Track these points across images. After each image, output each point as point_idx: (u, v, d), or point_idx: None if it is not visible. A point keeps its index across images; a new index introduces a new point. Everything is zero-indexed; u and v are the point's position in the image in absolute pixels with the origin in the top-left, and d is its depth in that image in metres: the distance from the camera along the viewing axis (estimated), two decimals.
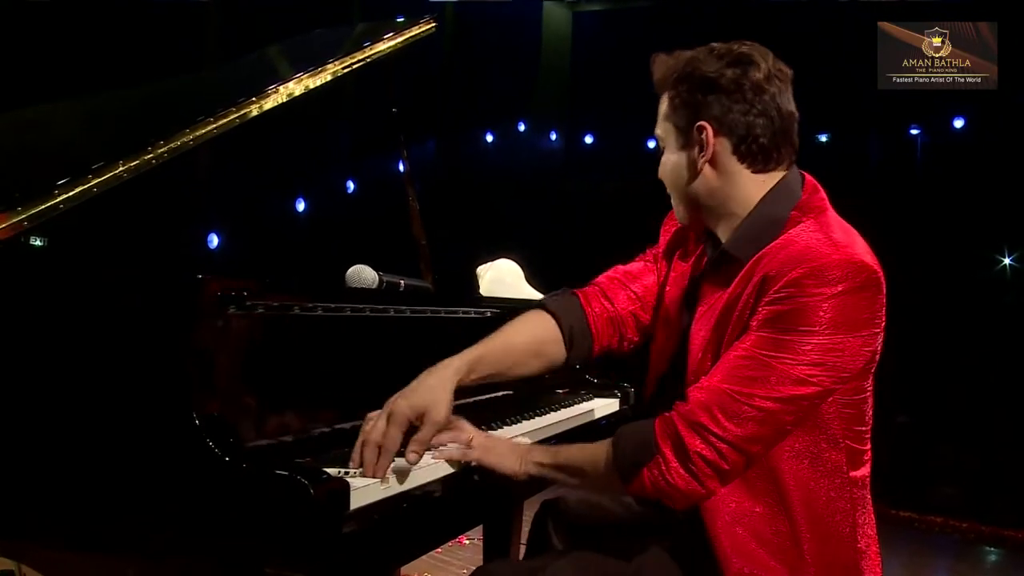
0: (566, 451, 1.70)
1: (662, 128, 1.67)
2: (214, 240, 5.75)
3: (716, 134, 1.58)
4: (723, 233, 1.64)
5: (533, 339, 1.80)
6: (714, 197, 1.62)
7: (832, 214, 1.60)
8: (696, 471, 1.48)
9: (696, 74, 1.59)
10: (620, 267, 1.91)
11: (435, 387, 1.60)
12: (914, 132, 6.69)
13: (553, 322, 1.82)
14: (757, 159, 1.59)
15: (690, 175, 1.63)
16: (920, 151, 6.67)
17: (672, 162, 1.66)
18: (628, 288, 1.86)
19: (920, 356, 5.79)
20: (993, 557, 5.12)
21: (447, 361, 1.65)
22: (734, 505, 1.54)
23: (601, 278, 1.90)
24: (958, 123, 6.51)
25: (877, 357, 1.59)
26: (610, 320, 1.85)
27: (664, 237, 1.86)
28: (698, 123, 1.59)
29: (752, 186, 1.61)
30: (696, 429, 1.48)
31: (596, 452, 1.61)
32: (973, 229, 6.24)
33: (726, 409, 1.47)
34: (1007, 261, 6.25)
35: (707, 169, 1.61)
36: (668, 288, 1.80)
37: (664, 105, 1.66)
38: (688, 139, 1.62)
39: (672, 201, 1.72)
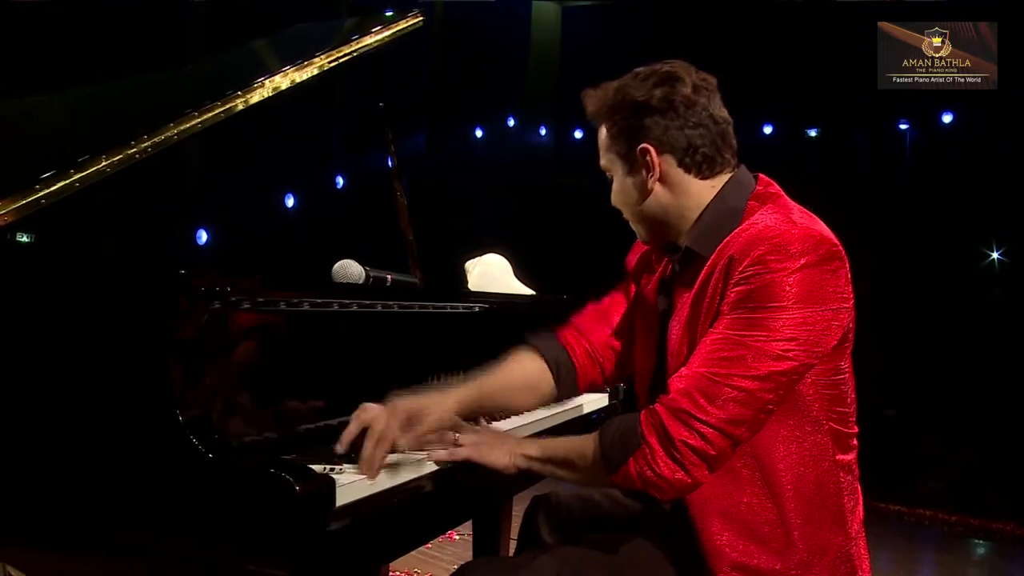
0: (554, 444, 1.71)
1: (606, 159, 1.72)
2: (202, 236, 5.72)
3: (659, 153, 1.63)
4: (685, 240, 1.68)
5: (524, 373, 1.87)
6: (668, 212, 1.67)
7: (788, 200, 1.64)
8: (682, 459, 1.48)
9: (627, 101, 1.64)
10: (592, 303, 1.98)
11: (438, 396, 1.67)
12: (903, 127, 6.70)
13: (540, 357, 1.88)
14: (702, 167, 1.64)
15: (641, 196, 1.68)
16: (912, 147, 6.68)
17: (623, 188, 1.71)
18: (602, 322, 1.93)
19: (909, 350, 5.81)
20: (981, 550, 5.14)
21: (450, 387, 1.73)
22: (722, 498, 1.56)
23: (576, 316, 1.97)
24: (947, 118, 6.52)
25: (851, 336, 1.61)
26: (588, 353, 1.91)
27: (629, 268, 1.92)
28: (640, 146, 1.64)
29: (703, 191, 1.66)
30: (680, 417, 1.49)
31: (584, 444, 1.61)
32: (963, 224, 6.26)
33: (707, 393, 1.48)
34: (995, 255, 6.27)
35: (658, 187, 1.66)
36: (640, 304, 1.84)
37: (603, 136, 1.71)
38: (633, 163, 1.66)
39: (631, 224, 1.76)
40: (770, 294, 1.50)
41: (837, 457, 1.59)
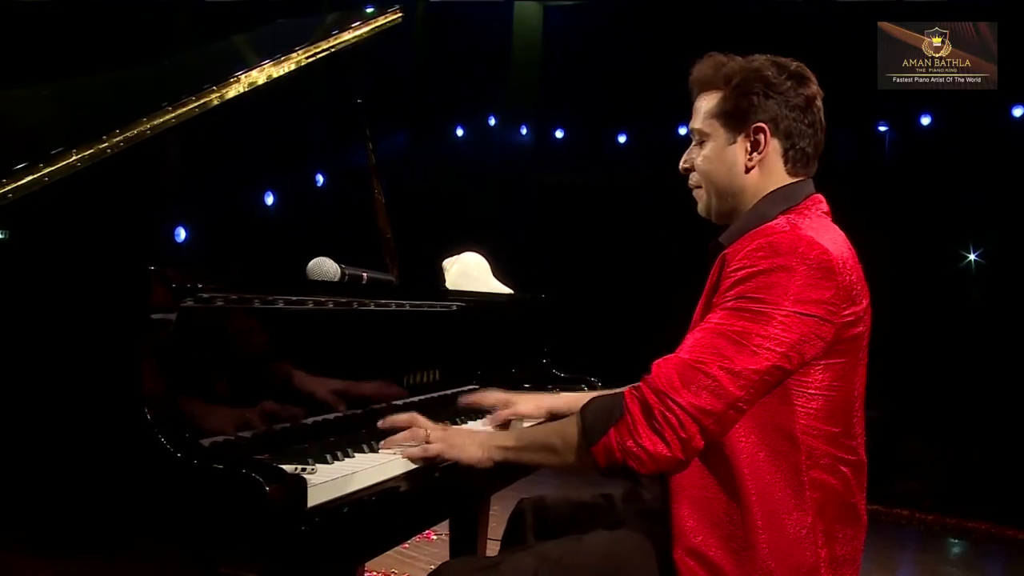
0: (531, 431, 1.75)
1: (706, 124, 1.73)
2: (181, 233, 5.68)
3: (772, 135, 1.67)
4: (722, 237, 1.72)
5: None
6: (748, 193, 1.70)
7: (814, 217, 1.65)
8: (661, 431, 1.49)
9: (760, 77, 1.67)
10: None
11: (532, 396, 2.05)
12: (882, 129, 6.72)
13: None
14: (797, 164, 1.69)
15: (735, 170, 1.70)
16: (892, 148, 6.70)
17: (717, 156, 1.72)
18: None
19: (887, 351, 5.83)
20: (957, 549, 5.18)
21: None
22: (697, 488, 1.59)
23: None
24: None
25: (854, 356, 1.60)
26: None
27: None
28: (756, 123, 1.67)
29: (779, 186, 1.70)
30: (659, 395, 1.51)
31: (563, 424, 1.63)
32: (940, 225, 6.29)
33: (683, 376, 1.51)
34: (972, 257, 6.32)
35: (756, 168, 1.69)
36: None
37: (710, 102, 1.72)
38: (741, 137, 1.69)
39: (704, 192, 1.76)
40: (753, 289, 1.52)
41: (812, 475, 1.57)
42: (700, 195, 1.77)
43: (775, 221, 1.62)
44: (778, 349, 1.50)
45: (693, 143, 1.76)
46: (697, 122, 1.74)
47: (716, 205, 1.75)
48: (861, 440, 1.65)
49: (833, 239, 1.60)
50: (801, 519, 1.56)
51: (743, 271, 1.54)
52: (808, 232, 1.57)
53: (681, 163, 1.78)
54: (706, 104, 1.72)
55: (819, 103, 1.70)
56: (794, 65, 1.70)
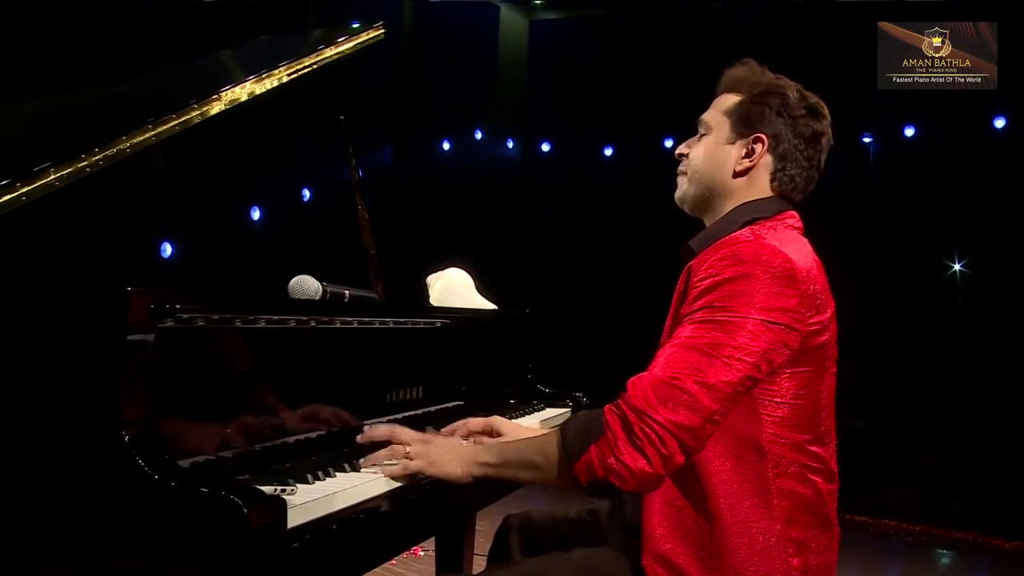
0: (512, 446, 1.72)
1: (715, 119, 1.78)
2: (167, 249, 5.66)
3: (767, 150, 1.72)
4: (692, 242, 1.75)
5: None
6: (728, 196, 1.74)
7: (781, 229, 1.67)
8: (642, 447, 1.49)
9: (778, 94, 1.73)
10: None
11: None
12: (867, 140, 6.74)
13: None
14: (783, 186, 1.73)
15: (723, 168, 1.74)
16: (890, 147, 6.69)
17: (713, 151, 1.77)
18: None
19: (873, 361, 5.85)
20: (945, 559, 5.18)
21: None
22: (668, 495, 1.61)
23: None
24: (909, 131, 6.55)
25: (820, 364, 1.61)
26: None
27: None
28: (758, 134, 1.72)
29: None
30: (637, 413, 1.51)
31: (544, 439, 1.63)
32: (925, 235, 6.31)
33: (659, 393, 1.51)
34: (957, 267, 6.34)
35: (743, 175, 1.73)
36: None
37: (729, 100, 1.78)
38: (740, 140, 1.74)
39: (687, 180, 1.81)
40: (719, 298, 1.54)
41: (779, 483, 1.58)
42: (682, 182, 1.82)
43: (740, 231, 1.64)
44: (748, 359, 1.52)
45: (697, 134, 1.81)
46: (708, 115, 1.79)
47: (693, 194, 1.79)
48: (832, 449, 1.66)
49: (798, 249, 1.62)
50: (770, 527, 1.57)
51: (708, 280, 1.56)
52: (771, 242, 1.59)
53: (680, 147, 1.83)
54: (724, 103, 1.78)
55: (824, 143, 1.74)
56: (815, 99, 1.75)
